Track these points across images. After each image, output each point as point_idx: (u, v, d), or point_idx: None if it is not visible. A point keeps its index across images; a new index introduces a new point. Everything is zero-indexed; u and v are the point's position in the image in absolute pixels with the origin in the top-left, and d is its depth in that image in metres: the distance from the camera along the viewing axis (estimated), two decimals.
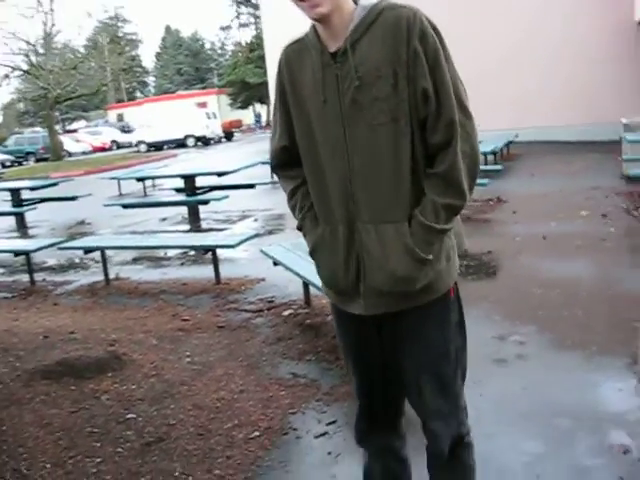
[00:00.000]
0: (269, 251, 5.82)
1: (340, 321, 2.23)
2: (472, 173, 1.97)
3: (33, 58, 33.38)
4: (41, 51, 33.76)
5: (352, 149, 1.96)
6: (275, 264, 5.70)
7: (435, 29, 1.91)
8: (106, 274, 7.17)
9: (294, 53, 2.07)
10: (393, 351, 2.11)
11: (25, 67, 33.53)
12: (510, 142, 14.72)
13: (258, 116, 49.35)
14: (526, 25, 16.88)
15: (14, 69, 33.73)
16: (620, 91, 15.91)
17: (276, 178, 2.34)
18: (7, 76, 34.44)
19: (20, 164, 35.33)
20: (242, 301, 6.00)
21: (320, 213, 2.11)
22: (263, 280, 6.59)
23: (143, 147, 36.48)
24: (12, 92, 42.52)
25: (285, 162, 2.20)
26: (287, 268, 5.28)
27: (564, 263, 6.28)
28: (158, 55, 78.05)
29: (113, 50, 41.14)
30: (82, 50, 41.48)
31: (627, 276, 5.79)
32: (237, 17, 53.57)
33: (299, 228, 2.20)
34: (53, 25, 34.39)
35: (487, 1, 17.26)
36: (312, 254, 2.16)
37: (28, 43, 32.95)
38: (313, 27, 2.01)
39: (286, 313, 5.43)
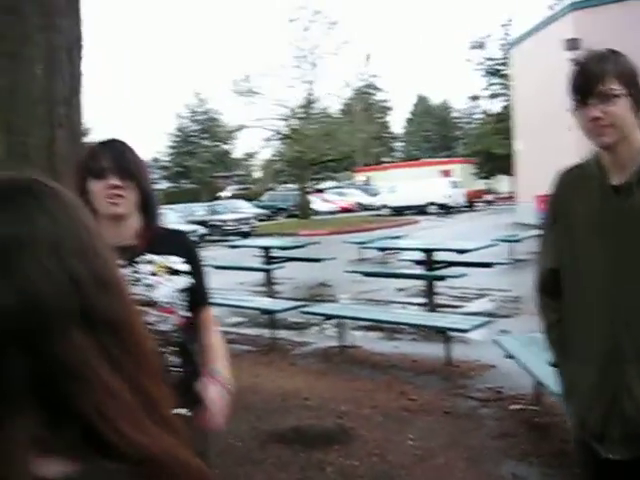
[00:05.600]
0: (503, 342, 5.67)
1: (583, 457, 2.12)
2: None
3: (293, 123, 35.95)
4: (301, 117, 36.24)
5: (621, 289, 1.86)
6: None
7: None
8: (341, 342, 7.53)
9: (570, 178, 2.04)
10: None
11: (285, 132, 36.28)
12: None
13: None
14: None
15: (277, 133, 36.74)
16: None
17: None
18: (269, 139, 37.70)
19: (271, 219, 36.75)
20: (470, 387, 5.96)
21: (575, 349, 2.01)
22: (494, 367, 6.48)
23: (386, 211, 36.91)
24: (272, 153, 45.99)
25: (551, 288, 2.09)
26: (520, 365, 5.15)
27: None
28: (409, 121, 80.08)
29: (365, 117, 42.93)
30: (337, 117, 43.54)
31: None
32: (487, 88, 53.54)
33: (555, 365, 2.15)
34: (312, 94, 36.84)
35: None
36: (565, 396, 2.10)
37: (292, 110, 35.65)
38: (596, 156, 1.96)
39: (513, 407, 5.32)
